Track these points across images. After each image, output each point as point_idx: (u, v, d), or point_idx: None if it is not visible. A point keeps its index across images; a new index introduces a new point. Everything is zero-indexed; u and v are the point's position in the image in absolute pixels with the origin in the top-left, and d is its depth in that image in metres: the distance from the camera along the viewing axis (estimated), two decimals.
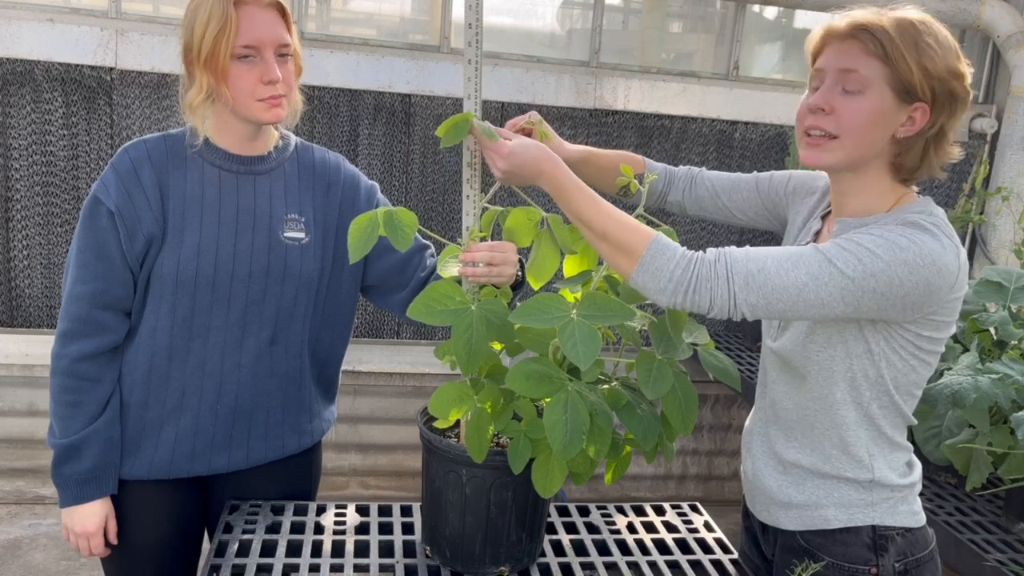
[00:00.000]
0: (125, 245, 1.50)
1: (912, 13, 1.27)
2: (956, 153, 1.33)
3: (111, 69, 3.07)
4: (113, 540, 1.61)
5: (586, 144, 3.49)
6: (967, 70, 1.27)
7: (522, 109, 3.32)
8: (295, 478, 1.74)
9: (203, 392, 1.58)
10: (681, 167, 1.64)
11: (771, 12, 3.78)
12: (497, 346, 1.41)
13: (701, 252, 1.25)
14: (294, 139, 1.67)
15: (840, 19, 1.29)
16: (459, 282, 1.39)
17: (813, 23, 3.82)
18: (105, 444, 1.54)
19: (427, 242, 1.76)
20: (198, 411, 1.59)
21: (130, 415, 1.57)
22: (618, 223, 1.26)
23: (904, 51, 1.23)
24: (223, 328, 1.56)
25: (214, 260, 1.53)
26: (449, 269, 1.40)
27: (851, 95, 1.26)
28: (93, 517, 1.56)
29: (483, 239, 1.43)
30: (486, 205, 1.43)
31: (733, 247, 1.25)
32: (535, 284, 1.37)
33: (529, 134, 1.46)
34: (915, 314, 1.25)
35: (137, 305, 1.55)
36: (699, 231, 3.68)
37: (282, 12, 1.51)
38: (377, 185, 1.74)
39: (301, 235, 1.59)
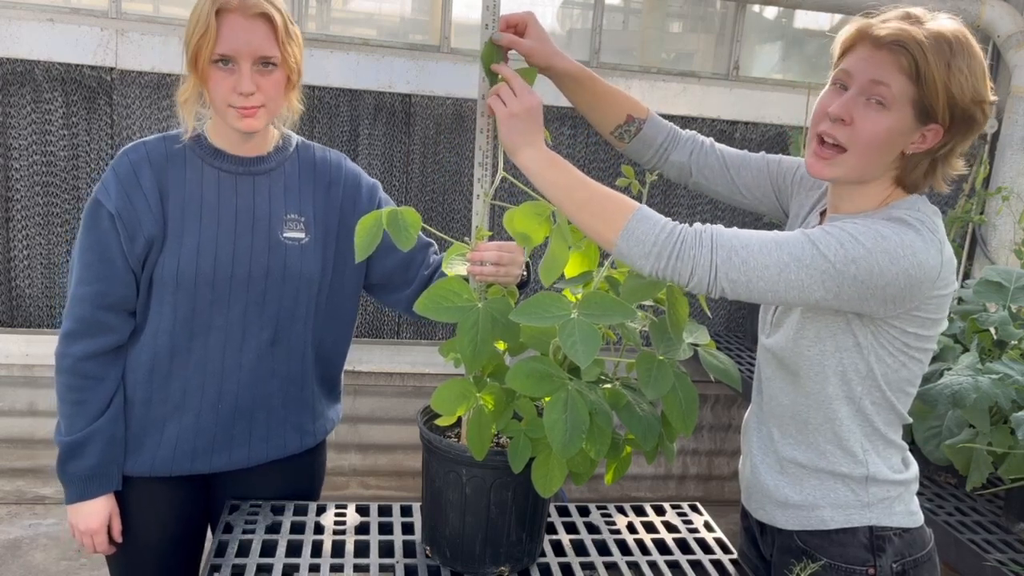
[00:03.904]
0: (126, 247, 1.51)
1: (947, 26, 1.24)
2: (961, 166, 1.31)
3: (111, 69, 3.07)
4: (117, 538, 1.62)
5: (587, 143, 3.51)
6: (991, 95, 1.25)
7: None
8: (298, 477, 1.75)
9: (204, 391, 1.59)
10: (687, 131, 1.59)
11: (771, 12, 3.78)
12: (501, 346, 1.41)
13: (687, 224, 1.25)
14: (295, 138, 1.67)
15: (878, 22, 1.26)
16: (465, 280, 1.40)
17: (813, 23, 3.82)
18: (108, 441, 1.56)
19: (430, 240, 1.76)
20: (199, 410, 1.60)
21: (133, 413, 1.58)
22: (604, 194, 1.27)
23: (935, 74, 1.21)
24: (224, 328, 1.57)
25: (213, 261, 1.53)
26: (455, 268, 1.40)
27: (873, 108, 1.24)
28: (97, 515, 1.58)
29: (490, 239, 1.44)
30: (495, 203, 1.43)
31: (720, 225, 1.25)
32: (546, 281, 1.36)
33: (522, 33, 1.41)
34: (896, 308, 1.25)
35: (140, 305, 1.56)
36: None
37: (271, 24, 1.48)
38: (379, 184, 1.74)
39: (301, 235, 1.60)
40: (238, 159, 1.58)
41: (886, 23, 1.25)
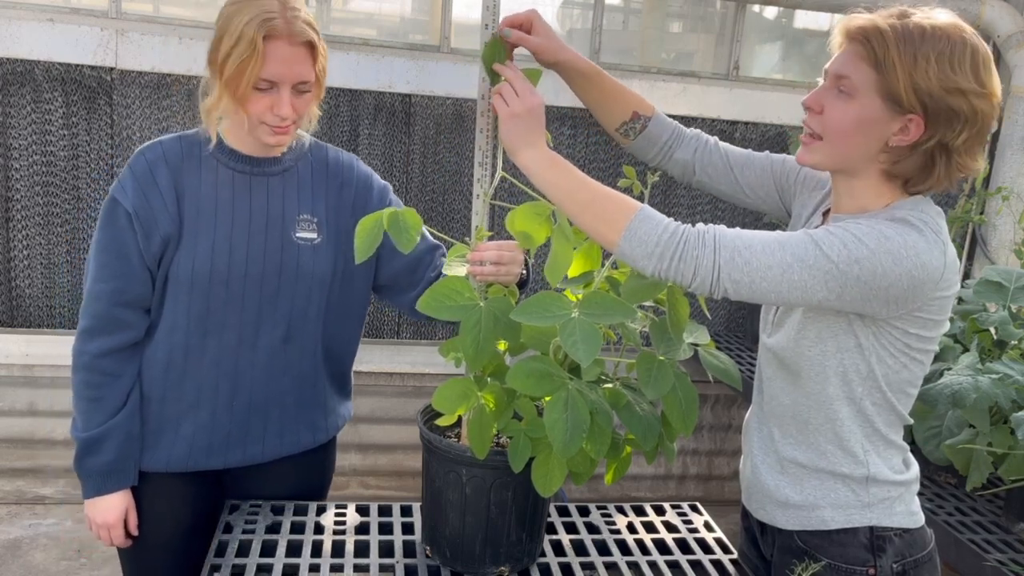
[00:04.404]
0: (142, 245, 1.53)
1: (936, 19, 1.24)
2: (975, 167, 1.29)
3: (111, 69, 3.07)
4: (133, 531, 1.64)
5: (587, 143, 3.51)
6: (980, 87, 1.23)
7: None
8: (310, 473, 1.78)
9: (219, 389, 1.61)
10: (691, 129, 1.60)
11: (771, 12, 3.78)
12: (501, 346, 1.41)
13: (689, 224, 1.25)
14: (308, 139, 1.69)
15: (855, 18, 1.28)
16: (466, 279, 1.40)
17: (813, 23, 3.82)
18: (125, 437, 1.58)
19: (438, 243, 1.77)
20: (214, 407, 1.62)
21: (149, 410, 1.61)
22: (605, 194, 1.27)
23: (897, 61, 1.21)
24: (237, 326, 1.59)
25: (228, 260, 1.55)
26: (454, 269, 1.40)
27: (839, 97, 1.27)
28: (114, 509, 1.60)
29: (490, 238, 1.44)
30: (495, 202, 1.43)
31: (723, 225, 1.25)
32: (552, 281, 1.37)
33: (528, 31, 1.42)
34: (899, 309, 1.25)
35: (155, 303, 1.58)
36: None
37: (312, 50, 1.51)
38: (390, 186, 1.76)
39: (313, 235, 1.62)
40: (253, 160, 1.60)
41: (860, 17, 1.27)
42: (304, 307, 1.63)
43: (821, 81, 1.33)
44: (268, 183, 1.60)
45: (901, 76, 1.21)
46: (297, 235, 1.60)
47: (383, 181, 1.75)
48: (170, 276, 1.55)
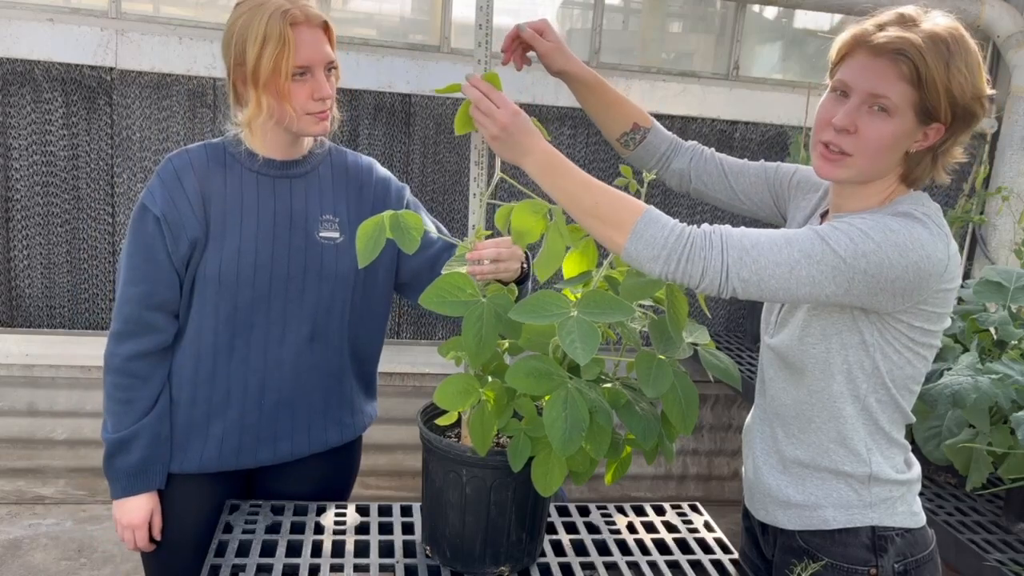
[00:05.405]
0: (171, 248, 1.56)
1: (942, 24, 1.24)
2: (960, 155, 1.33)
3: (111, 69, 3.07)
4: (157, 535, 1.66)
5: (587, 143, 3.51)
6: (988, 89, 1.26)
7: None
8: (336, 470, 1.81)
9: (247, 388, 1.64)
10: (689, 141, 1.63)
11: (771, 12, 3.77)
12: (501, 345, 1.41)
13: (695, 225, 1.25)
14: (327, 143, 1.73)
15: (874, 27, 1.26)
16: None
17: (813, 23, 3.82)
18: (153, 439, 1.61)
19: (456, 241, 1.78)
20: (243, 407, 1.65)
21: (179, 413, 1.63)
22: (610, 197, 1.26)
23: (936, 77, 1.21)
24: (264, 325, 1.62)
25: (254, 261, 1.59)
26: (455, 268, 1.40)
27: (875, 116, 1.25)
28: (140, 510, 1.62)
29: (488, 237, 1.45)
30: (492, 202, 1.43)
31: (728, 225, 1.25)
32: (541, 276, 1.37)
33: (531, 47, 1.48)
34: (905, 302, 1.25)
35: (183, 306, 1.61)
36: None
37: (329, 30, 1.57)
38: (407, 187, 1.80)
39: (336, 235, 1.66)
40: (275, 163, 1.63)
41: (883, 30, 1.25)
42: (328, 305, 1.66)
43: (828, 87, 1.32)
44: (291, 185, 1.64)
45: (942, 93, 1.22)
46: (320, 235, 1.64)
47: (401, 183, 1.79)
48: (198, 278, 1.59)
